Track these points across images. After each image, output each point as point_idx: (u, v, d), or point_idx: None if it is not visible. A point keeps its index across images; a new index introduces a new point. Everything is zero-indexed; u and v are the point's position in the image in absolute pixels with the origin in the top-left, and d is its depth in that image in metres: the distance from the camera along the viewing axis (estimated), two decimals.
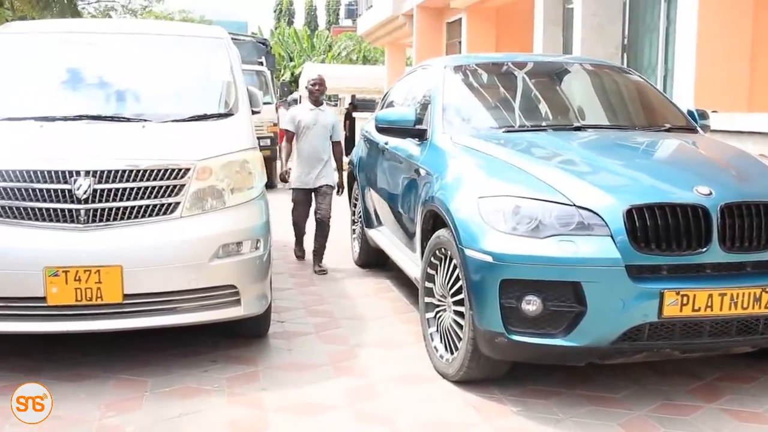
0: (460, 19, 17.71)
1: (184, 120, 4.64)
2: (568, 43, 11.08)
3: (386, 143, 5.87)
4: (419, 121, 5.08)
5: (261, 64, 15.42)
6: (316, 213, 6.92)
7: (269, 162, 13.42)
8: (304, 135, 6.82)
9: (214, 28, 5.91)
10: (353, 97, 25.75)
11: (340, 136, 7.09)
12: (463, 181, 4.14)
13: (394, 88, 6.85)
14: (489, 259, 3.57)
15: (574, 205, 3.57)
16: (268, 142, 13.42)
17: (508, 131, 4.79)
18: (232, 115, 4.78)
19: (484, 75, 5.55)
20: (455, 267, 3.94)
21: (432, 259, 4.27)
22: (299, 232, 7.28)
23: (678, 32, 8.23)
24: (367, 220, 6.54)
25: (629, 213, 3.47)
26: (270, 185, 12.60)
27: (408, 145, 5.25)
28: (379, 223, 6.24)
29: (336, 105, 30.17)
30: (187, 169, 4.12)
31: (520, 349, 3.60)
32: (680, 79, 7.91)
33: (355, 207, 7.21)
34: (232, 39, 16.07)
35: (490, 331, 3.61)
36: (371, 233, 6.39)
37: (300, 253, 7.36)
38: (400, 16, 20.81)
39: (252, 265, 4.25)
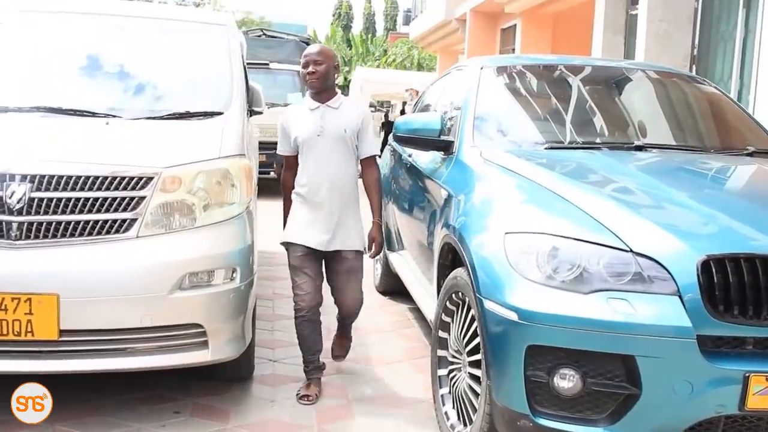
0: (515, 25, 16.90)
1: (159, 117, 3.87)
2: (630, 52, 10.13)
3: (410, 155, 5.02)
4: (447, 130, 4.24)
5: None
6: (336, 300, 4.08)
7: None
8: (305, 155, 3.84)
9: (218, 15, 5.13)
10: (404, 104, 24.94)
11: (374, 147, 3.96)
12: (489, 209, 3.28)
13: (428, 91, 6.01)
14: (514, 316, 2.71)
15: (631, 250, 2.68)
16: None
17: (553, 148, 3.93)
18: (221, 114, 3.98)
19: (529, 79, 4.68)
20: (473, 319, 3.09)
21: (448, 303, 3.42)
22: (308, 344, 3.92)
23: (759, 42, 7.24)
24: (389, 241, 5.70)
25: (705, 265, 2.58)
26: None
27: (432, 159, 4.40)
28: (401, 246, 5.39)
29: (388, 112, 29.14)
30: (150, 178, 3.34)
31: None
32: (760, 95, 6.92)
33: None
34: (274, 37, 15.41)
35: (511, 410, 2.74)
36: (392, 257, 5.55)
37: (316, 376, 4.00)
38: (452, 20, 20.10)
39: (224, 299, 3.44)
